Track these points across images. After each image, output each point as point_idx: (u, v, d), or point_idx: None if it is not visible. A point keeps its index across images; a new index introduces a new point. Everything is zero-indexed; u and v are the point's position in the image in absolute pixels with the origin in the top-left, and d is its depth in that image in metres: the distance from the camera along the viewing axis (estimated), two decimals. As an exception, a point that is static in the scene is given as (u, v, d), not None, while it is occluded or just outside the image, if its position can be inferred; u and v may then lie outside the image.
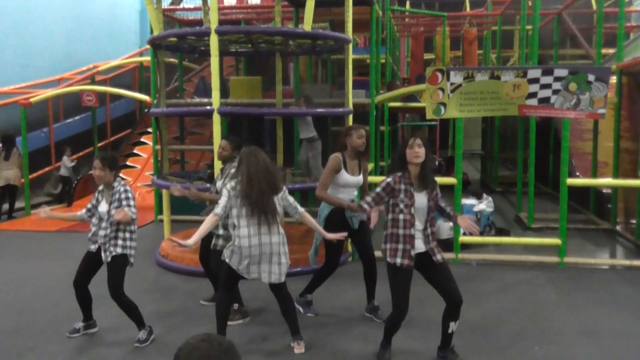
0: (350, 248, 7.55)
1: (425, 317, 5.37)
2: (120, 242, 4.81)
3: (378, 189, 4.32)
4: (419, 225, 4.27)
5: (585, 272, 7.08)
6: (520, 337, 5.05)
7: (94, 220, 4.92)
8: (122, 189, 4.79)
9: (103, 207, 4.85)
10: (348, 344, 4.92)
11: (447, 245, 7.53)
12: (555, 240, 7.35)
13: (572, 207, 9.03)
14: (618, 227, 9.26)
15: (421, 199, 4.27)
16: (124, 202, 4.74)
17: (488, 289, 6.42)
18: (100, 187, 4.95)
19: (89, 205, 4.97)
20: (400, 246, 4.23)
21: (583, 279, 6.82)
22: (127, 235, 4.85)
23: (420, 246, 4.28)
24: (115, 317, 5.51)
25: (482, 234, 8.47)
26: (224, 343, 1.78)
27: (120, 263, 4.81)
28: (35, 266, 7.52)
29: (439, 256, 4.31)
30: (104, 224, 4.82)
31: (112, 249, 4.78)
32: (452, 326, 4.38)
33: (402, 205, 4.22)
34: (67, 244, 8.65)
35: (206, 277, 5.93)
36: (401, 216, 4.22)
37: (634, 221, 8.96)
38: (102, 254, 4.82)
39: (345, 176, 5.25)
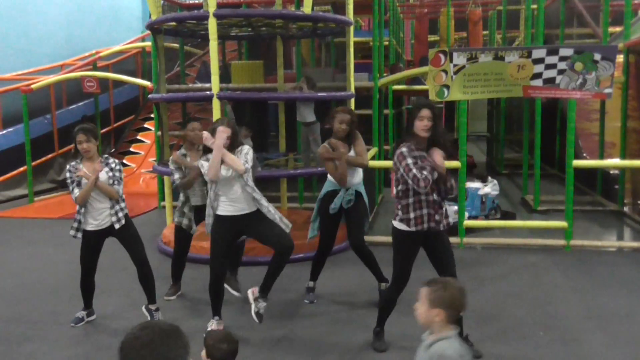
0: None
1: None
2: (118, 207, 4.83)
3: (408, 160, 4.10)
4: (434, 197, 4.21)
5: (591, 255, 6.99)
6: (525, 322, 4.98)
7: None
8: (115, 163, 4.84)
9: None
10: (349, 332, 4.87)
11: (452, 229, 7.39)
12: (562, 223, 7.26)
13: (578, 188, 8.92)
14: (625, 209, 9.15)
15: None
16: (117, 179, 4.80)
17: (493, 273, 6.35)
18: (73, 165, 4.76)
19: (75, 184, 4.75)
20: (425, 211, 4.16)
21: (589, 262, 6.74)
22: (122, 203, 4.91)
23: (437, 217, 4.21)
24: (114, 305, 5.50)
25: (487, 217, 8.38)
26: (167, 328, 1.77)
27: (132, 225, 4.92)
28: (36, 253, 7.50)
29: (444, 222, 4.27)
30: (103, 196, 4.75)
31: (120, 214, 4.82)
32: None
33: (425, 172, 4.09)
34: (68, 231, 8.60)
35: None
36: (420, 175, 4.07)
37: (641, 202, 8.87)
38: (114, 225, 4.80)
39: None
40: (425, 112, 4.13)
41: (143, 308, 5.05)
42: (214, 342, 2.88)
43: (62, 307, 5.47)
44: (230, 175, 4.55)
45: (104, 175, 4.75)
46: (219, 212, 4.62)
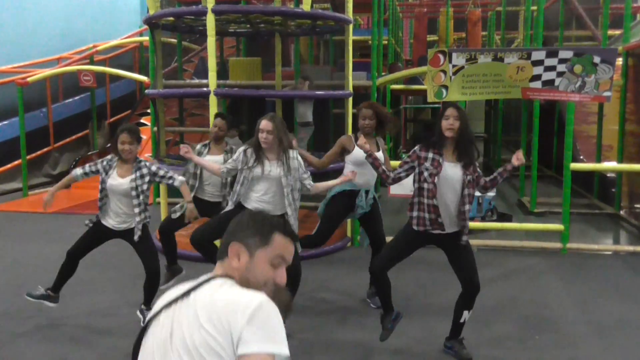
0: (349, 233, 7.45)
1: (437, 305, 5.28)
2: (140, 218, 4.74)
3: (407, 159, 4.24)
4: (451, 198, 4.10)
5: (588, 258, 6.97)
6: (521, 326, 4.96)
7: (101, 194, 4.78)
8: (155, 168, 4.78)
9: (119, 183, 4.66)
10: (344, 332, 4.83)
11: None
12: (558, 226, 7.24)
13: (575, 190, 8.90)
14: (622, 212, 9.14)
15: (453, 170, 4.10)
16: (167, 172, 4.81)
17: (489, 276, 6.32)
18: (110, 159, 4.74)
19: (88, 169, 4.79)
20: (427, 215, 4.13)
21: (586, 265, 6.72)
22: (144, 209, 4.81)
23: (452, 225, 4.16)
24: (106, 302, 5.46)
25: (483, 218, 8.36)
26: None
27: (148, 237, 4.84)
28: (29, 248, 7.45)
29: (464, 237, 4.19)
30: (125, 201, 4.69)
31: (140, 225, 4.74)
32: (466, 315, 4.26)
33: (426, 174, 4.10)
34: (63, 226, 8.56)
35: (204, 262, 5.83)
36: (425, 185, 4.10)
37: (638, 206, 8.86)
38: (131, 233, 4.75)
39: (355, 154, 5.04)
40: (451, 111, 4.10)
41: (138, 312, 4.97)
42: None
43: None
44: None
45: (127, 182, 4.66)
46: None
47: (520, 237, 7.70)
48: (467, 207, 4.13)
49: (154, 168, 4.75)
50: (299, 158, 4.73)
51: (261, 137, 4.52)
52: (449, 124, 4.07)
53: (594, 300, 5.60)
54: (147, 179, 4.70)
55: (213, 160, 5.35)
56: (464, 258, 4.22)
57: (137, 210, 4.67)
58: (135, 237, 4.73)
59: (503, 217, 8.65)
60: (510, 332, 4.83)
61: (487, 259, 6.92)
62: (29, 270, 6.52)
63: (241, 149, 4.76)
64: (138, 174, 4.66)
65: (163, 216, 7.91)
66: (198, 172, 5.61)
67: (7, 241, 7.82)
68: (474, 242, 7.41)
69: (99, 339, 4.68)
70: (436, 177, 4.07)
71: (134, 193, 4.65)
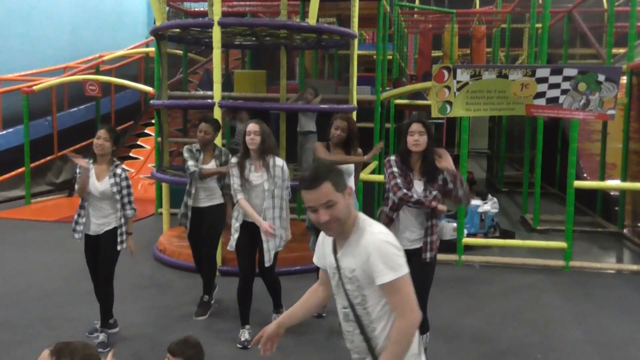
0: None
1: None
2: (114, 220, 4.71)
3: (394, 168, 3.99)
4: (415, 213, 3.95)
5: (590, 277, 6.93)
6: (523, 344, 4.92)
7: (82, 204, 4.69)
8: (124, 176, 4.67)
9: (97, 185, 4.60)
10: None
11: (450, 246, 7.40)
12: (561, 244, 7.20)
13: (578, 208, 8.88)
14: (625, 231, 9.10)
15: (419, 187, 3.93)
16: (125, 199, 4.68)
17: (491, 293, 6.29)
18: (87, 162, 4.60)
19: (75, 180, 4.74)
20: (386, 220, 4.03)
21: (588, 283, 6.68)
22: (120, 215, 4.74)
23: (415, 239, 3.98)
24: (114, 311, 5.41)
25: (486, 235, 8.33)
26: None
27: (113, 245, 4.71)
28: (30, 256, 7.43)
29: (427, 254, 3.98)
30: (96, 202, 4.64)
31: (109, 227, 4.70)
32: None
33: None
34: (65, 235, 8.48)
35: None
36: (391, 195, 3.96)
37: (641, 225, 8.82)
38: (109, 235, 4.68)
39: None
40: (416, 127, 3.96)
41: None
42: (180, 348, 2.90)
43: (55, 311, 5.41)
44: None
45: (106, 185, 4.61)
46: None
47: (523, 254, 7.66)
48: (429, 223, 3.98)
49: (124, 183, 4.67)
50: (284, 166, 4.80)
51: (248, 139, 4.68)
52: (414, 139, 3.93)
53: (596, 319, 5.56)
54: (121, 185, 4.66)
55: (207, 169, 5.38)
56: (419, 277, 3.77)
57: (120, 213, 4.68)
58: (118, 247, 4.69)
59: (506, 234, 8.62)
60: (512, 350, 4.79)
61: (489, 276, 6.89)
62: (30, 278, 6.50)
63: (233, 160, 4.79)
64: (115, 181, 4.62)
65: (165, 227, 7.92)
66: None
67: (9, 249, 7.81)
68: (476, 258, 7.42)
69: (98, 348, 4.65)
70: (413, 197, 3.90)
71: (117, 197, 4.64)
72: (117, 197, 4.64)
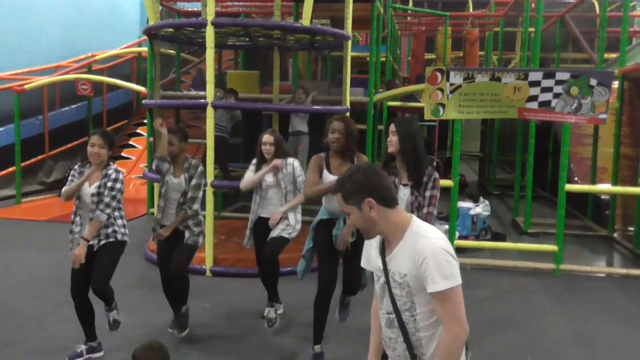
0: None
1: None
2: (110, 229, 4.32)
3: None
4: None
5: (581, 280, 6.96)
6: (513, 346, 4.93)
7: (77, 212, 4.37)
8: (114, 177, 4.28)
9: (88, 190, 4.27)
10: (333, 346, 4.80)
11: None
12: (552, 247, 7.23)
13: (569, 212, 8.91)
14: (615, 234, 9.15)
15: (404, 192, 3.80)
16: (105, 198, 4.23)
17: (482, 295, 6.30)
18: (81, 165, 4.39)
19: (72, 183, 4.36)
20: None
21: (579, 287, 6.71)
22: (118, 216, 4.40)
23: None
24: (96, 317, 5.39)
25: (477, 237, 8.35)
26: None
27: (111, 250, 4.33)
28: (21, 256, 7.39)
29: None
30: (87, 209, 4.28)
31: (101, 236, 4.30)
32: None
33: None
34: (55, 234, 8.51)
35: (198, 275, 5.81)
36: None
37: (631, 229, 8.85)
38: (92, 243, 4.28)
39: (327, 176, 4.51)
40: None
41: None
42: (144, 354, 2.91)
43: (44, 311, 5.38)
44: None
45: (94, 189, 4.28)
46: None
47: (514, 257, 7.69)
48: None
49: (110, 184, 4.27)
50: (295, 163, 5.10)
51: (264, 149, 5.06)
52: (388, 140, 3.87)
53: (586, 321, 5.58)
54: (105, 183, 4.28)
55: (177, 183, 4.82)
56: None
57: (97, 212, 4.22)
58: (95, 246, 4.28)
59: (497, 237, 8.65)
60: (503, 352, 4.80)
61: (480, 278, 6.91)
62: (20, 278, 6.46)
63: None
64: (103, 180, 4.29)
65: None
66: (163, 190, 4.95)
67: (-2, 248, 7.77)
68: (467, 260, 7.43)
69: (88, 349, 4.63)
70: None
71: (95, 199, 4.25)
72: (95, 199, 4.25)
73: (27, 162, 11.82)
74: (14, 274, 6.60)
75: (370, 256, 2.40)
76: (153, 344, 2.98)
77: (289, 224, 5.00)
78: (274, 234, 4.97)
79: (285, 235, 4.97)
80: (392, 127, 3.86)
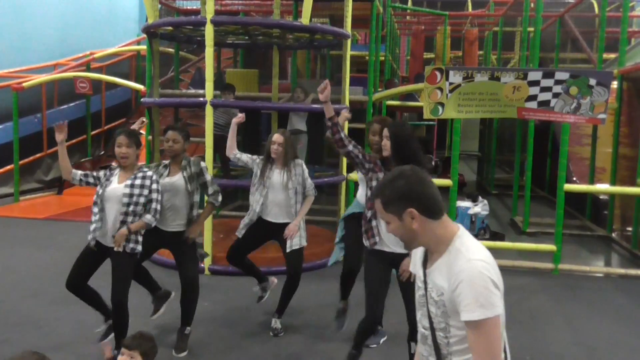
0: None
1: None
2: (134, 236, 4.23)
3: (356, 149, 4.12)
4: None
5: (579, 280, 6.96)
6: (511, 347, 4.87)
7: (95, 209, 4.23)
8: (154, 177, 4.27)
9: (117, 189, 4.19)
10: (335, 347, 4.79)
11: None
12: (550, 247, 7.23)
13: (567, 212, 8.92)
14: (614, 234, 9.16)
15: None
16: (154, 205, 4.22)
17: (480, 294, 6.29)
18: (112, 168, 4.34)
19: (90, 178, 4.30)
20: (367, 225, 4.04)
21: (577, 286, 6.71)
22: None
23: (394, 243, 3.89)
24: (94, 316, 5.37)
25: (476, 237, 8.33)
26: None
27: (127, 262, 4.24)
28: (18, 254, 7.37)
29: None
30: (115, 207, 4.17)
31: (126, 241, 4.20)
32: (414, 347, 3.98)
33: (374, 184, 4.03)
34: (54, 232, 8.51)
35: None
36: (369, 193, 4.01)
37: (630, 229, 8.86)
38: (109, 245, 4.20)
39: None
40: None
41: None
42: (136, 341, 2.94)
43: (42, 310, 5.37)
44: None
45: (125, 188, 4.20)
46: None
47: (512, 256, 7.68)
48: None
49: (154, 186, 4.25)
50: (303, 165, 5.12)
51: (272, 148, 4.96)
52: (382, 144, 4.01)
53: (585, 321, 5.58)
54: (145, 191, 4.22)
55: (170, 183, 4.58)
56: (408, 284, 3.74)
57: (121, 218, 4.15)
58: (116, 248, 4.15)
59: (495, 236, 8.65)
60: (501, 352, 4.79)
61: (478, 278, 6.89)
62: (18, 276, 6.45)
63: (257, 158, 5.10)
64: (138, 181, 4.22)
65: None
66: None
67: (-4, 246, 7.76)
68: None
69: (85, 348, 4.62)
70: None
71: (125, 200, 4.16)
72: (125, 200, 4.16)
73: (26, 160, 11.81)
74: (12, 272, 6.59)
75: (415, 261, 2.24)
76: (144, 333, 3.01)
77: (299, 228, 5.01)
78: (291, 245, 4.93)
79: (303, 243, 5.02)
80: (385, 132, 3.96)
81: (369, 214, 4.03)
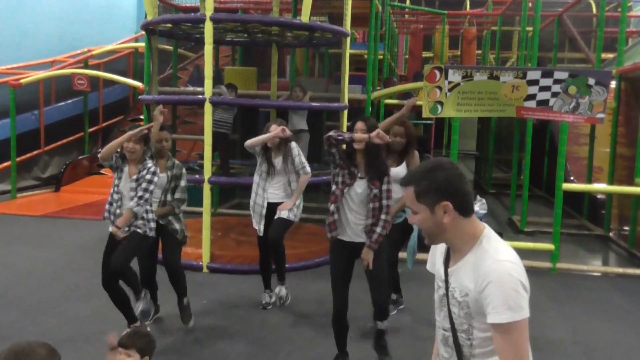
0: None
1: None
2: (140, 221, 4.49)
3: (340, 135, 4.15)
4: (356, 209, 4.11)
5: (577, 279, 6.98)
6: (510, 344, 4.92)
7: (115, 196, 4.52)
8: (152, 169, 4.49)
9: (128, 183, 4.48)
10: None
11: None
12: (549, 246, 7.24)
13: (565, 211, 8.92)
14: (611, 234, 9.17)
15: (361, 185, 4.10)
16: (140, 192, 4.41)
17: (478, 293, 6.30)
18: (118, 156, 4.55)
19: (116, 162, 4.52)
20: (330, 219, 4.16)
21: (575, 286, 6.72)
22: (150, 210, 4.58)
23: (357, 235, 4.13)
24: (92, 307, 5.37)
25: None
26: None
27: (136, 239, 4.50)
28: (15, 251, 7.35)
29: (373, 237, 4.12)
30: (128, 198, 4.46)
31: (131, 226, 4.48)
32: (380, 325, 4.34)
33: (340, 179, 4.14)
34: (51, 230, 8.49)
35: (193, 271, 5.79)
36: (334, 187, 4.15)
37: (627, 228, 8.88)
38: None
39: (394, 172, 4.81)
40: (359, 125, 4.26)
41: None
42: (131, 340, 2.95)
43: (40, 307, 5.36)
44: None
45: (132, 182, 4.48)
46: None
47: (510, 255, 7.68)
48: (370, 220, 4.11)
49: (148, 176, 4.46)
50: (297, 148, 5.37)
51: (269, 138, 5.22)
52: (357, 137, 4.13)
53: (582, 320, 5.59)
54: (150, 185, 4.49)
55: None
56: (370, 271, 4.15)
57: (132, 203, 4.39)
58: (125, 228, 4.43)
59: (493, 235, 8.63)
60: (499, 351, 4.80)
61: (476, 277, 6.90)
62: (15, 273, 6.43)
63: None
64: (140, 174, 4.47)
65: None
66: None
67: (-7, 243, 7.73)
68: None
69: (83, 344, 4.62)
70: (347, 187, 4.10)
71: (132, 194, 4.44)
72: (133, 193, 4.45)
73: (23, 157, 11.78)
74: (9, 269, 6.56)
75: (435, 260, 2.17)
76: (139, 330, 3.04)
77: (295, 206, 5.23)
78: (279, 214, 5.15)
79: (291, 217, 5.19)
80: (363, 127, 4.15)
81: (332, 207, 4.14)
